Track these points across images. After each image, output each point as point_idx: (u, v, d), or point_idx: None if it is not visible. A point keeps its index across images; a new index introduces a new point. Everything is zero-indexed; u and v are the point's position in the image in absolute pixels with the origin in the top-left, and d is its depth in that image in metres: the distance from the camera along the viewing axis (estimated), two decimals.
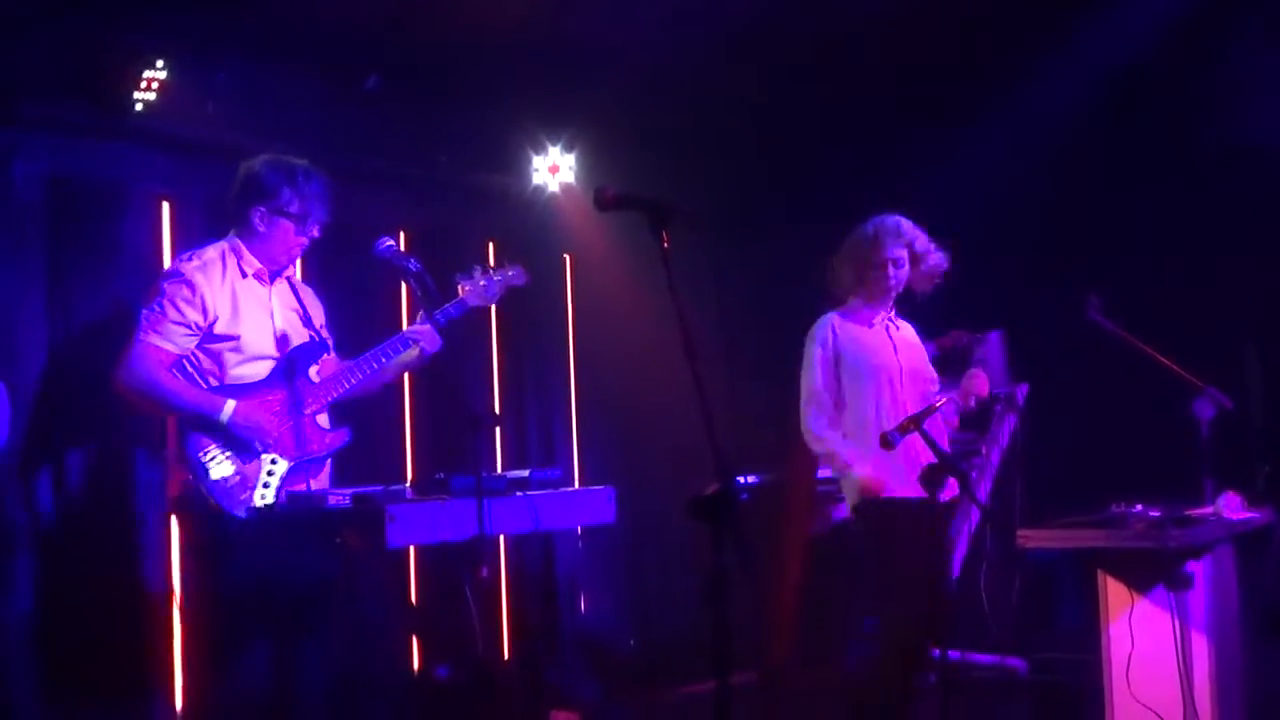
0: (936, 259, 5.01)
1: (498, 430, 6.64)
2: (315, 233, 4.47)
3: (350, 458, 4.72)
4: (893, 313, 5.07)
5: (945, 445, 4.80)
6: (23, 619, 4.72)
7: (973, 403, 4.94)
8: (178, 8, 5.12)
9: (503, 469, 6.44)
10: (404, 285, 4.92)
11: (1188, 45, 6.24)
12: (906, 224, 4.99)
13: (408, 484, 4.63)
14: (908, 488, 4.68)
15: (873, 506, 4.79)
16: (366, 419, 5.73)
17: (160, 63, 5.01)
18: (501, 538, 6.22)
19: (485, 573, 4.44)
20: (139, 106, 5.02)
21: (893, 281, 4.95)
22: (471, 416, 4.71)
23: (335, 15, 5.34)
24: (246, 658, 4.22)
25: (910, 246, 4.97)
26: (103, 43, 4.98)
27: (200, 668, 4.36)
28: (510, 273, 4.82)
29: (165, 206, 5.33)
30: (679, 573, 7.14)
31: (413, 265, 4.44)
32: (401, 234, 5.93)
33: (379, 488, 4.33)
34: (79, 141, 5.10)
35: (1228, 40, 6.21)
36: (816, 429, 4.89)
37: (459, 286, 4.68)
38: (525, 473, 4.79)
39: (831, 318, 5.02)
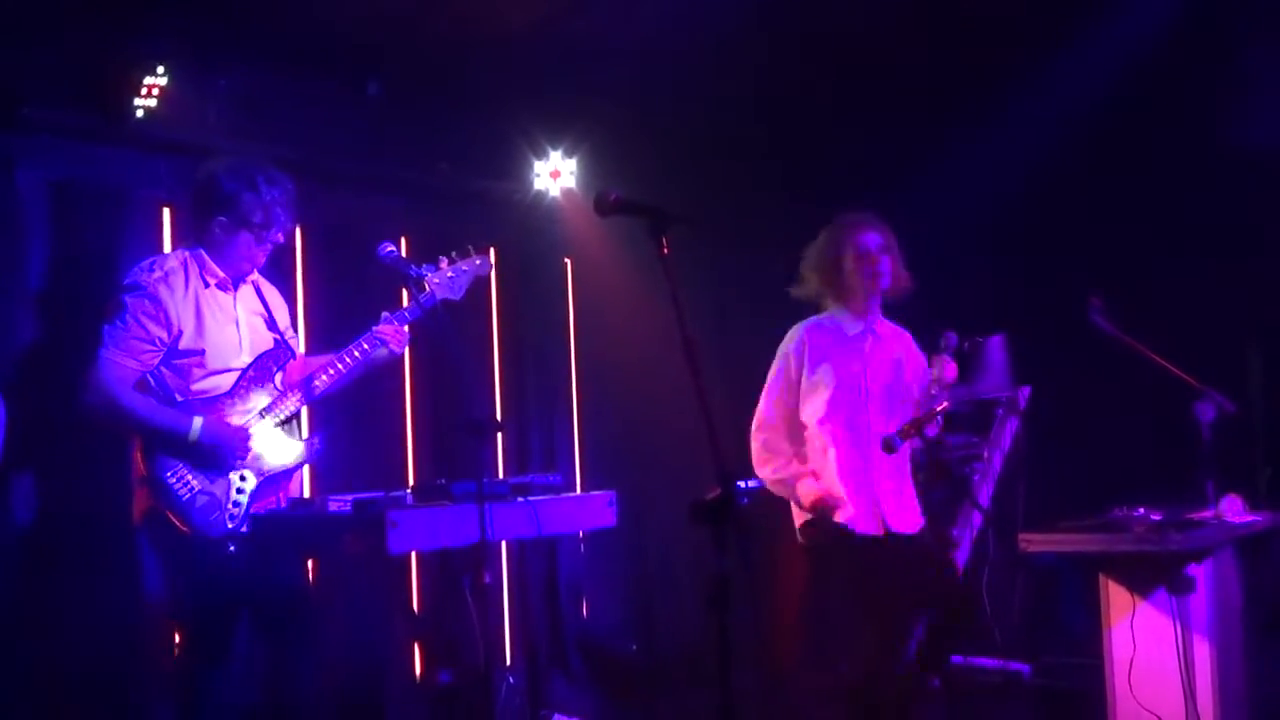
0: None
1: (499, 436, 6.63)
2: (279, 239, 4.35)
3: (351, 463, 4.72)
4: (875, 320, 4.81)
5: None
6: (13, 629, 4.70)
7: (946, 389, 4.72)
8: (179, 14, 5.13)
9: (504, 474, 6.44)
10: (405, 290, 4.90)
11: (1190, 45, 6.24)
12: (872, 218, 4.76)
13: (409, 490, 4.62)
14: (870, 521, 4.58)
15: (824, 530, 4.59)
16: (368, 425, 5.76)
17: (161, 69, 5.02)
18: (503, 543, 6.22)
19: (487, 578, 4.41)
20: (140, 113, 5.03)
21: (869, 281, 4.70)
22: (473, 422, 4.71)
23: (336, 21, 5.34)
24: (245, 664, 4.21)
25: (885, 237, 4.74)
26: (105, 49, 4.98)
27: (200, 675, 4.33)
28: (476, 262, 4.69)
29: (166, 212, 5.33)
30: (681, 577, 7.15)
31: (413, 271, 4.42)
32: (403, 239, 5.92)
33: (380, 494, 4.32)
34: (81, 147, 5.09)
35: (1230, 40, 6.22)
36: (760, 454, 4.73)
37: (425, 280, 4.53)
38: (527, 478, 4.78)
39: (802, 327, 4.80)
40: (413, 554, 5.65)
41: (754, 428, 4.81)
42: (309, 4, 5.22)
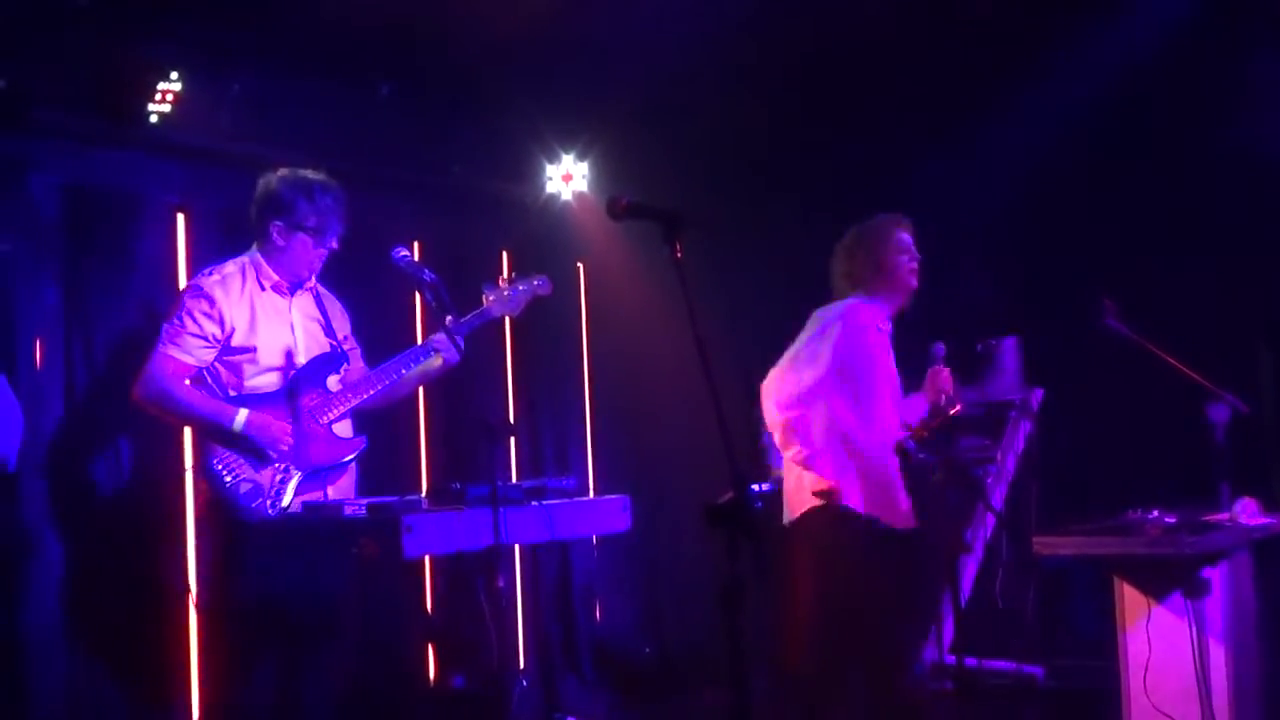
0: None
1: (512, 439, 6.64)
2: (334, 244, 4.52)
3: (366, 468, 4.73)
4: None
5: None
6: (44, 623, 4.75)
7: (942, 399, 4.77)
8: (192, 19, 5.14)
9: (518, 478, 6.44)
10: (418, 295, 4.92)
11: (1200, 46, 6.23)
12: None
13: (423, 494, 4.64)
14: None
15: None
16: (383, 429, 5.75)
17: (174, 74, 5.04)
18: (517, 547, 6.22)
19: (501, 582, 4.43)
20: (154, 118, 5.05)
21: (912, 277, 4.75)
22: (486, 426, 4.73)
23: (348, 25, 5.35)
24: (262, 664, 4.25)
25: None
26: (117, 54, 5.00)
27: (217, 674, 4.38)
28: (536, 282, 4.87)
29: (180, 217, 5.35)
30: (694, 581, 7.13)
31: (427, 275, 4.46)
32: (416, 243, 5.94)
33: (395, 498, 4.33)
34: (95, 152, 5.12)
35: (1240, 41, 6.20)
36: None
37: (484, 296, 4.72)
38: (540, 482, 4.78)
39: (871, 308, 4.76)
40: (427, 558, 5.66)
41: None
42: (321, 7, 5.23)
